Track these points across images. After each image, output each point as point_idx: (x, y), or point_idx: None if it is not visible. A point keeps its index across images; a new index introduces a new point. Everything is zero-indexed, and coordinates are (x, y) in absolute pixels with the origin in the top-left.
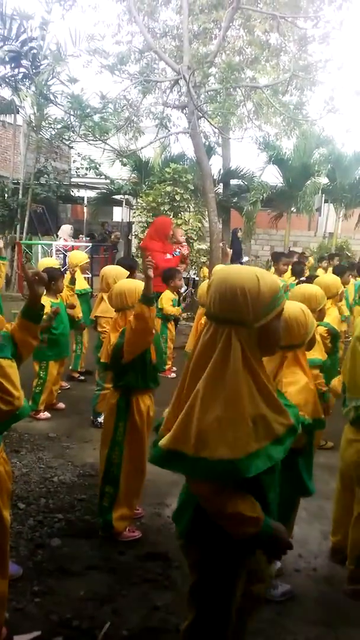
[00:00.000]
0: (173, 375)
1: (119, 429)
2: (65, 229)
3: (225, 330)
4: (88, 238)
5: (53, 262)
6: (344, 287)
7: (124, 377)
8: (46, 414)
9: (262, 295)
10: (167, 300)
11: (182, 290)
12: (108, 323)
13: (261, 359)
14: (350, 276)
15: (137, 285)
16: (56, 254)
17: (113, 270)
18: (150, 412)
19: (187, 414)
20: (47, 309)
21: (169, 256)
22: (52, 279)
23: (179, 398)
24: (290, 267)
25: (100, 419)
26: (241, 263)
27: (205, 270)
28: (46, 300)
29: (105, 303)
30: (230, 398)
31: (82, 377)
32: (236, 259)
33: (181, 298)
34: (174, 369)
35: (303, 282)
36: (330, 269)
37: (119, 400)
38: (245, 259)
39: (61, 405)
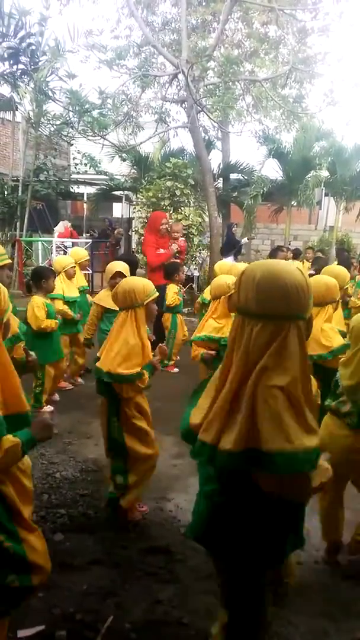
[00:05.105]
0: (176, 370)
1: (113, 424)
2: (59, 227)
3: (284, 325)
4: (88, 234)
5: (69, 260)
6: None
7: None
8: (50, 407)
9: (309, 288)
10: (172, 294)
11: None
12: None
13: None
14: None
15: (145, 283)
16: (56, 250)
17: (107, 267)
18: (142, 405)
19: (248, 413)
20: (41, 311)
21: (161, 251)
22: (42, 278)
23: (221, 396)
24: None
25: None
26: (240, 246)
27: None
28: (41, 300)
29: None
30: (297, 394)
31: (82, 372)
32: (227, 251)
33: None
34: (176, 370)
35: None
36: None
37: (107, 400)
38: (244, 240)
39: (56, 397)
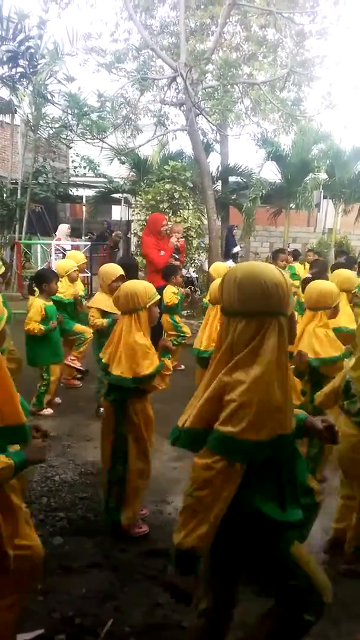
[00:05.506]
0: (182, 367)
1: (120, 431)
2: (62, 229)
3: (266, 321)
4: (87, 237)
5: (71, 263)
6: None
7: (117, 392)
8: (49, 410)
9: (288, 286)
10: (169, 293)
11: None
12: (94, 316)
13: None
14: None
15: (147, 285)
16: (55, 253)
17: (102, 270)
18: (149, 412)
19: (216, 396)
20: (35, 313)
21: (162, 252)
22: (44, 281)
23: (199, 387)
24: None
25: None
26: (234, 255)
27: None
28: (40, 303)
29: (98, 295)
30: (268, 385)
31: (80, 375)
32: (227, 255)
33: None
34: (182, 367)
35: (310, 279)
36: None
37: (114, 406)
38: (237, 248)
39: (58, 400)
